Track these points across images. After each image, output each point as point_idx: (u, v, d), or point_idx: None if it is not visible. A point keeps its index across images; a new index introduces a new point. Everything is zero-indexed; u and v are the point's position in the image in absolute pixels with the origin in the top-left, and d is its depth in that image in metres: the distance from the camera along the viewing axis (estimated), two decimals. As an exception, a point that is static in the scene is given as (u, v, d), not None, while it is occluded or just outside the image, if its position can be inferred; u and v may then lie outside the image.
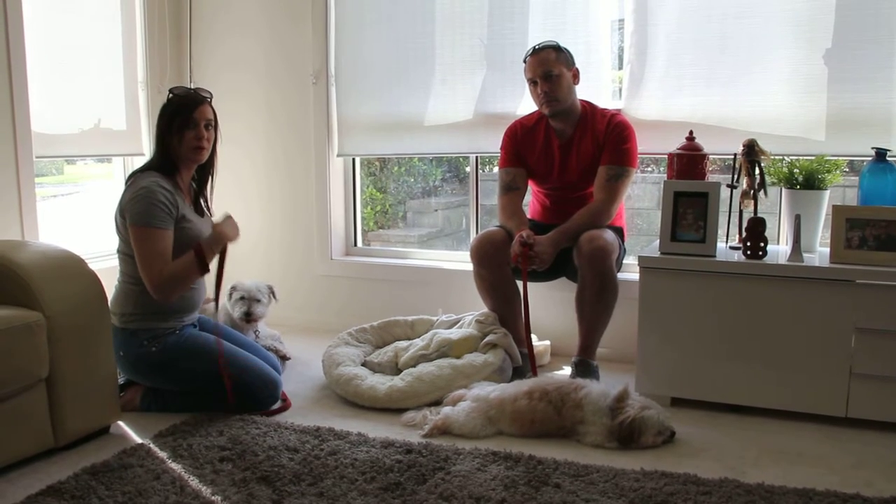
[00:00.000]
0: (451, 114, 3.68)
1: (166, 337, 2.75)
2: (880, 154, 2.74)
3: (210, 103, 2.83)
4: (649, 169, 4.09)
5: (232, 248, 2.81)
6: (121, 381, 2.81)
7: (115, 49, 3.86)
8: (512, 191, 3.22)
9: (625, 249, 3.21)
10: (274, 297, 3.38)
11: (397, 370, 3.02)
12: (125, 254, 2.78)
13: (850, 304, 2.57)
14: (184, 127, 2.75)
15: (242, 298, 3.27)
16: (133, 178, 2.75)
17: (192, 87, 2.85)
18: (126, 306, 2.76)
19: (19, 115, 3.27)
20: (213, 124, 2.83)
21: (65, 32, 3.59)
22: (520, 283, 3.04)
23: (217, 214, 2.86)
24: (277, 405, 2.82)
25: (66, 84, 3.61)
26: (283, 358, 3.32)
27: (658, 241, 2.88)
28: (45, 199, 3.69)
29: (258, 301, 3.28)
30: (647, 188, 4.11)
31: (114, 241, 2.83)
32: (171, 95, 2.81)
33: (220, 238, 2.75)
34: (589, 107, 3.18)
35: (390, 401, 2.79)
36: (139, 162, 4.02)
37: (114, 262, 2.86)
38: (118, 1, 3.85)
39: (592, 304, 2.96)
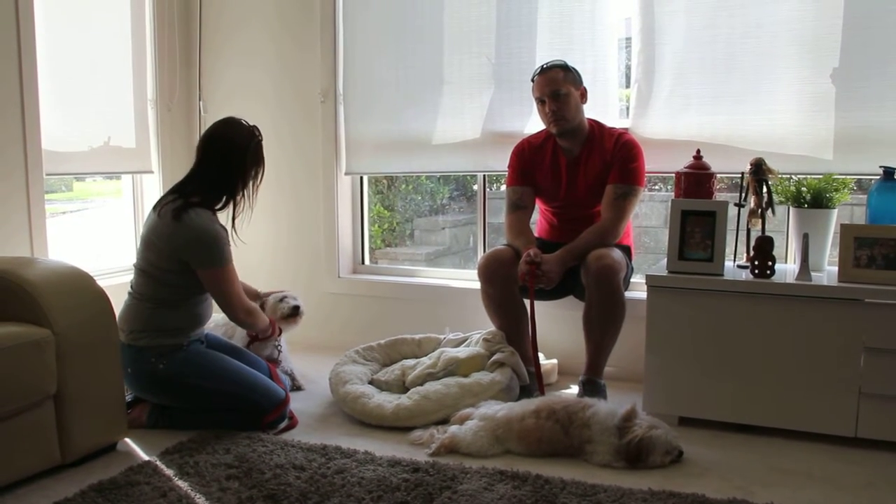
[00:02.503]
0: (459, 132, 3.69)
1: (173, 354, 2.75)
2: (888, 172, 2.73)
3: None
4: (657, 187, 4.10)
5: (241, 268, 2.84)
6: (128, 398, 2.81)
7: (124, 67, 3.89)
8: (519, 209, 3.23)
9: (632, 268, 3.21)
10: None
11: (404, 388, 3.02)
12: (149, 274, 2.76)
13: (859, 324, 2.56)
14: (261, 170, 2.88)
15: (284, 298, 3.22)
16: (179, 213, 2.69)
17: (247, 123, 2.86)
18: (134, 323, 2.76)
19: (30, 133, 3.30)
20: None
21: (75, 50, 3.63)
22: (527, 302, 3.04)
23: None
24: (284, 423, 2.82)
25: (76, 102, 3.64)
26: (297, 388, 3.30)
27: (665, 259, 2.88)
28: (54, 216, 3.71)
29: (296, 299, 3.26)
30: (654, 207, 4.12)
31: (121, 258, 2.83)
32: (259, 136, 2.85)
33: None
34: (596, 125, 3.19)
35: (397, 419, 2.79)
36: (148, 179, 4.06)
37: (122, 279, 2.86)
38: (128, 18, 3.89)
39: (600, 323, 2.95)
